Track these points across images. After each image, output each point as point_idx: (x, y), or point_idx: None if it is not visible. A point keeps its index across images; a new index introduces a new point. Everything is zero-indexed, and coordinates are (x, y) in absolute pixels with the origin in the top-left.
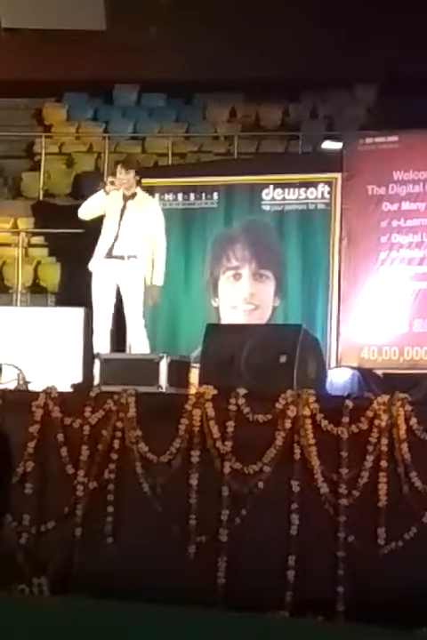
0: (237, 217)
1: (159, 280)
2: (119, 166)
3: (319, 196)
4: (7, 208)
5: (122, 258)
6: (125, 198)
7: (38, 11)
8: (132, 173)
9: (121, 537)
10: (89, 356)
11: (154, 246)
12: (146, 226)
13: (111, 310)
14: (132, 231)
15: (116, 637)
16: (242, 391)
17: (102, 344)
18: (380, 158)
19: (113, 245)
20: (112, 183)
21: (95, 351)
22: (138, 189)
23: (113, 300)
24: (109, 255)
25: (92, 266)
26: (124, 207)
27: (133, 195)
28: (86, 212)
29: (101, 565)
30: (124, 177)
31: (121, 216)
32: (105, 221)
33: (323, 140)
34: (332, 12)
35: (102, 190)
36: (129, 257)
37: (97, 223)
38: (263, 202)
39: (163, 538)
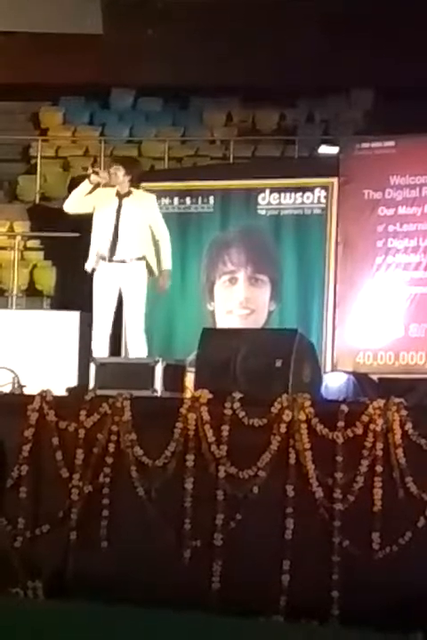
0: (233, 221)
1: (168, 264)
2: (114, 166)
3: (315, 200)
4: (3, 211)
5: (124, 261)
6: (120, 197)
7: (35, 14)
8: (122, 171)
9: (116, 541)
10: (84, 359)
11: (158, 237)
12: (147, 222)
13: (112, 315)
14: (133, 231)
15: None
16: (237, 395)
17: (101, 349)
18: (376, 163)
19: (114, 248)
20: (96, 173)
21: (92, 355)
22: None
23: (114, 305)
24: (111, 259)
25: (89, 266)
26: (119, 206)
27: (129, 193)
28: (73, 205)
29: (96, 569)
30: (121, 177)
31: (117, 215)
32: (97, 220)
33: (319, 144)
34: (328, 17)
35: (87, 180)
36: (131, 260)
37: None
38: (259, 206)
39: (157, 542)
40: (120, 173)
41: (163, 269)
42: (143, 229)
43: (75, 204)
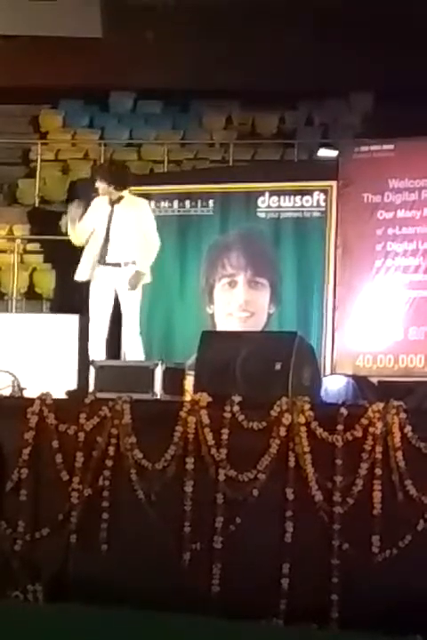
0: (233, 224)
1: (145, 268)
2: (97, 181)
3: (315, 203)
4: (3, 215)
5: (118, 265)
6: (112, 203)
7: (35, 18)
8: (104, 184)
9: (116, 544)
10: (84, 362)
11: (148, 243)
12: (138, 226)
13: (108, 319)
14: (125, 235)
15: None
16: (237, 398)
17: (98, 352)
18: (375, 166)
19: (105, 252)
20: (96, 191)
21: (91, 359)
22: (124, 192)
23: (111, 308)
24: (104, 262)
25: (79, 276)
26: (111, 212)
27: (120, 198)
28: (78, 239)
29: (96, 572)
30: (107, 189)
31: (109, 221)
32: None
33: (318, 147)
34: (328, 21)
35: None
36: (126, 263)
37: None
38: (259, 209)
39: (157, 545)
40: (102, 185)
41: (137, 271)
42: (135, 233)
43: (79, 237)
